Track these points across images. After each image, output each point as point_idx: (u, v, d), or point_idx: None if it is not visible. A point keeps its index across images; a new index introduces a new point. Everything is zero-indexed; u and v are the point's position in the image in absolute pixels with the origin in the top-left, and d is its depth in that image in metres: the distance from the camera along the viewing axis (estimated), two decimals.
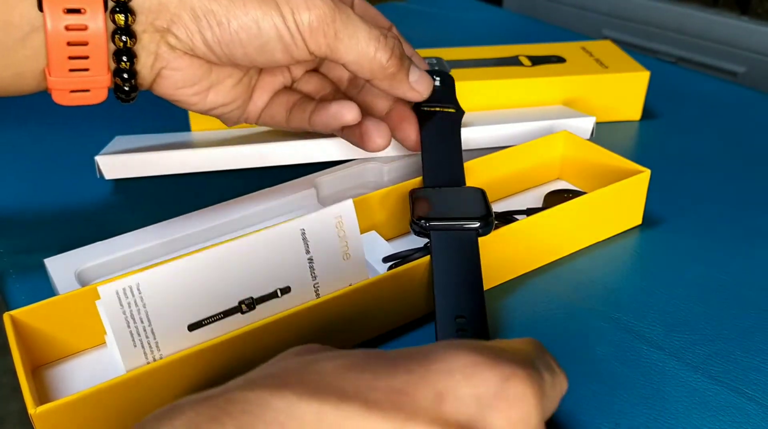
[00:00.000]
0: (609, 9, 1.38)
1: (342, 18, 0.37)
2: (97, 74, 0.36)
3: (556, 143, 0.46)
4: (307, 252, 0.33)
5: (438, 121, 0.44)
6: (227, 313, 0.31)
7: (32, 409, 0.27)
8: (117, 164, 0.46)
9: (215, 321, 0.31)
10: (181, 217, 0.42)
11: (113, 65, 0.36)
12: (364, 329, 0.35)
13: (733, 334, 0.35)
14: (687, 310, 0.37)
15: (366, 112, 0.43)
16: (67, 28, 0.34)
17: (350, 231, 0.33)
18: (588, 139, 0.48)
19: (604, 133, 0.54)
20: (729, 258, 0.41)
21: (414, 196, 0.38)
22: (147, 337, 0.30)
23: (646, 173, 0.41)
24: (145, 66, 0.37)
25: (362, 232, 0.40)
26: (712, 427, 0.30)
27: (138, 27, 0.35)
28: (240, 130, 0.51)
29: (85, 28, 0.34)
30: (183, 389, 0.30)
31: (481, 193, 0.38)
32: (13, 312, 0.32)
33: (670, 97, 0.61)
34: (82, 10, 0.34)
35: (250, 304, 0.32)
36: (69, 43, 0.34)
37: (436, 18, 0.84)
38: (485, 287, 0.38)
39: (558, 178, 0.48)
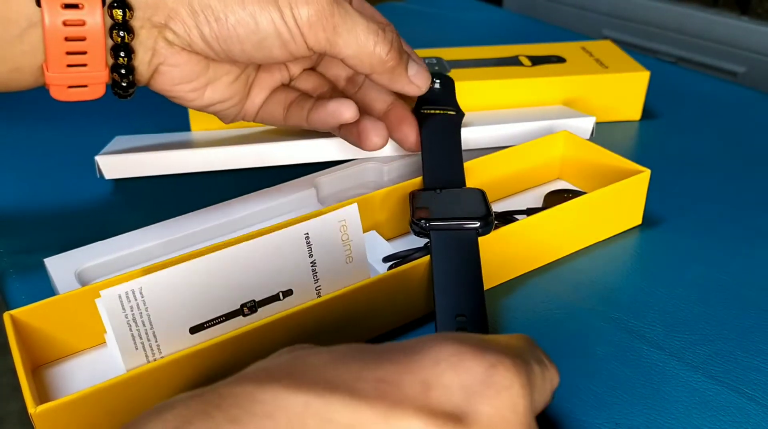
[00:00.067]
0: (609, 9, 1.38)
1: (340, 12, 0.37)
2: (95, 70, 0.36)
3: (556, 143, 0.46)
4: (310, 255, 0.33)
5: (438, 123, 0.44)
6: (229, 316, 0.31)
7: (32, 409, 0.27)
8: (117, 164, 0.46)
9: (217, 324, 0.31)
10: (181, 217, 0.42)
11: (111, 61, 0.36)
12: (364, 329, 0.35)
13: (733, 334, 0.35)
14: (687, 310, 0.37)
15: (364, 111, 0.43)
16: (64, 24, 0.34)
17: (354, 234, 0.33)
18: (588, 139, 0.48)
19: (604, 133, 0.54)
20: (729, 258, 0.41)
21: (414, 197, 0.38)
22: (149, 339, 0.30)
23: (646, 173, 0.41)
24: (142, 62, 0.37)
25: (362, 232, 0.40)
26: (712, 427, 0.30)
27: (136, 23, 0.35)
28: (240, 130, 0.51)
29: (82, 24, 0.34)
30: (183, 389, 0.30)
31: (481, 194, 0.38)
32: (13, 312, 0.32)
33: (670, 97, 0.61)
34: (80, 6, 0.34)
35: (251, 307, 0.32)
36: (67, 39, 0.34)
37: (435, 18, 0.84)
38: (485, 287, 0.38)
39: (558, 178, 0.48)
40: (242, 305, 0.32)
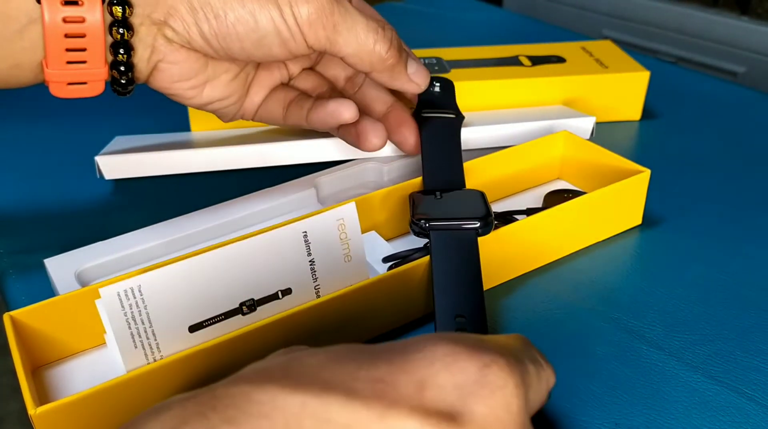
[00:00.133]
0: (609, 9, 1.38)
1: (340, 10, 0.37)
2: (95, 67, 0.36)
3: (556, 143, 0.46)
4: (309, 254, 0.33)
5: (438, 126, 0.44)
6: (228, 315, 0.31)
7: (32, 410, 0.27)
8: (117, 164, 0.46)
9: (216, 322, 0.31)
10: (181, 217, 0.42)
11: (110, 58, 0.36)
12: (364, 329, 0.35)
13: (733, 334, 0.35)
14: (687, 310, 0.37)
15: (363, 112, 0.43)
16: (64, 20, 0.34)
17: (352, 233, 0.33)
18: (588, 139, 0.48)
19: (604, 133, 0.54)
20: (729, 258, 0.41)
21: (414, 198, 0.38)
22: (148, 338, 0.30)
23: (646, 173, 0.41)
24: (141, 59, 0.37)
25: (362, 232, 0.40)
26: (712, 427, 0.30)
27: (135, 19, 0.35)
28: (240, 130, 0.51)
29: (82, 20, 0.34)
30: (183, 390, 0.30)
31: (481, 195, 0.38)
32: (13, 312, 0.32)
33: (670, 97, 0.61)
34: (80, 2, 0.34)
35: (250, 306, 0.32)
36: (66, 35, 0.34)
37: (434, 18, 0.84)
38: (485, 287, 0.38)
39: (558, 178, 0.48)
40: (241, 304, 0.32)
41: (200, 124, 0.53)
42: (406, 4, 0.89)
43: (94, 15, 0.34)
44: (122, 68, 0.36)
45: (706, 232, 0.43)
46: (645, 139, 0.55)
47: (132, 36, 0.35)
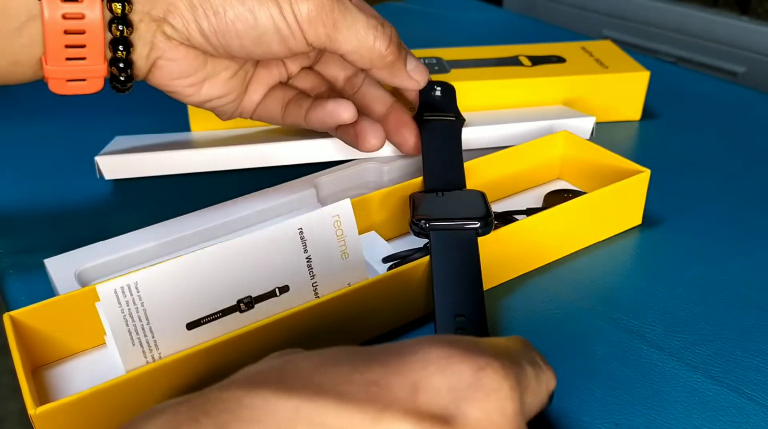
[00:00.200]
0: (609, 9, 1.38)
1: (340, 8, 0.37)
2: (94, 63, 0.36)
3: (556, 143, 0.46)
4: (305, 251, 0.33)
5: (439, 127, 0.44)
6: (226, 312, 0.31)
7: (32, 410, 0.27)
8: (117, 164, 0.46)
9: (214, 320, 0.31)
10: (181, 217, 0.42)
11: (109, 54, 0.36)
12: (364, 329, 0.35)
13: (733, 334, 0.35)
14: (687, 310, 0.37)
15: (362, 113, 0.43)
16: (64, 17, 0.34)
17: (348, 230, 0.33)
18: (588, 139, 0.48)
19: (604, 133, 0.54)
20: (729, 258, 0.41)
21: (414, 198, 0.38)
22: (145, 335, 0.30)
23: (646, 173, 0.41)
24: (140, 56, 0.37)
25: (362, 232, 0.40)
26: (711, 427, 0.30)
27: (135, 16, 0.35)
28: (240, 130, 0.51)
29: (82, 17, 0.34)
30: (182, 389, 0.30)
31: (481, 195, 0.38)
32: (13, 312, 0.32)
33: (670, 97, 0.61)
34: None
35: (248, 303, 0.32)
36: (66, 32, 0.34)
37: (435, 18, 0.84)
38: (485, 287, 0.38)
39: (558, 178, 0.48)
40: (239, 301, 0.32)
41: (200, 124, 0.53)
42: (406, 4, 0.89)
43: (93, 12, 0.34)
44: (121, 65, 0.36)
45: (706, 232, 0.43)
46: (645, 139, 0.55)
47: (131, 33, 0.35)
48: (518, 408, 0.22)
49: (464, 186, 0.40)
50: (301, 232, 0.32)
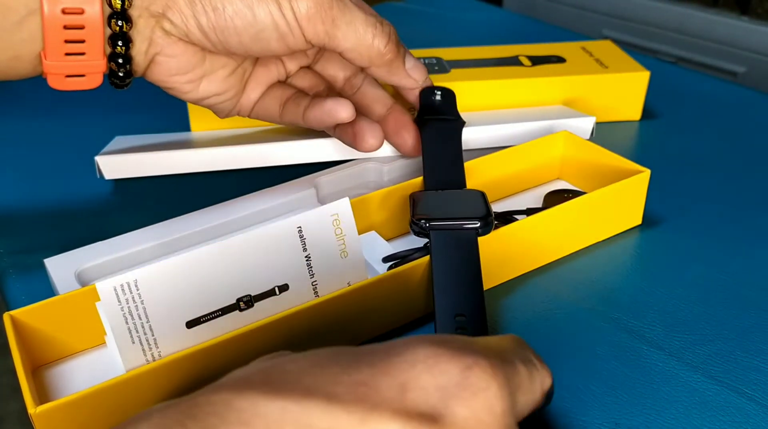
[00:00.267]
0: (609, 9, 1.38)
1: (339, 5, 0.37)
2: (93, 59, 0.36)
3: (556, 143, 0.46)
4: (305, 249, 0.33)
5: (439, 128, 0.44)
6: (225, 311, 0.31)
7: (32, 409, 0.27)
8: (117, 164, 0.46)
9: (213, 318, 0.31)
10: (181, 217, 0.42)
11: (108, 50, 0.36)
12: (364, 329, 0.35)
13: (733, 334, 0.35)
14: (687, 310, 0.37)
15: (361, 114, 0.43)
16: (63, 12, 0.34)
17: (347, 229, 0.33)
18: (588, 139, 0.48)
19: (604, 133, 0.54)
20: (729, 258, 0.41)
21: (414, 198, 0.38)
22: (145, 333, 0.30)
23: (646, 173, 0.41)
24: (139, 52, 0.37)
25: (362, 232, 0.40)
26: (712, 427, 0.30)
27: (134, 11, 0.35)
28: (240, 130, 0.51)
29: (81, 12, 0.34)
30: (182, 389, 0.30)
31: (481, 195, 0.38)
32: (13, 312, 0.32)
33: (670, 97, 0.61)
34: None
35: (248, 302, 0.32)
36: (65, 27, 0.34)
37: (435, 18, 0.84)
38: (485, 287, 0.38)
39: (558, 178, 0.48)
40: (238, 300, 0.32)
41: (200, 124, 0.53)
42: (406, 4, 0.89)
43: (93, 7, 0.35)
44: (120, 61, 0.36)
45: (706, 232, 0.43)
46: (645, 139, 0.55)
47: (131, 28, 0.35)
48: (507, 407, 0.22)
49: (464, 186, 0.40)
50: (300, 231, 0.32)
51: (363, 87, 0.45)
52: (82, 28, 0.35)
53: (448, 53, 0.59)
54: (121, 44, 0.36)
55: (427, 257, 0.35)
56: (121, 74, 0.37)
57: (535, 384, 0.24)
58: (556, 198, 0.43)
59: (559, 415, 0.31)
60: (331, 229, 0.33)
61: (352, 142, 0.42)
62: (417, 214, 0.36)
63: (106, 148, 0.48)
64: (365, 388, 0.21)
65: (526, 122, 0.49)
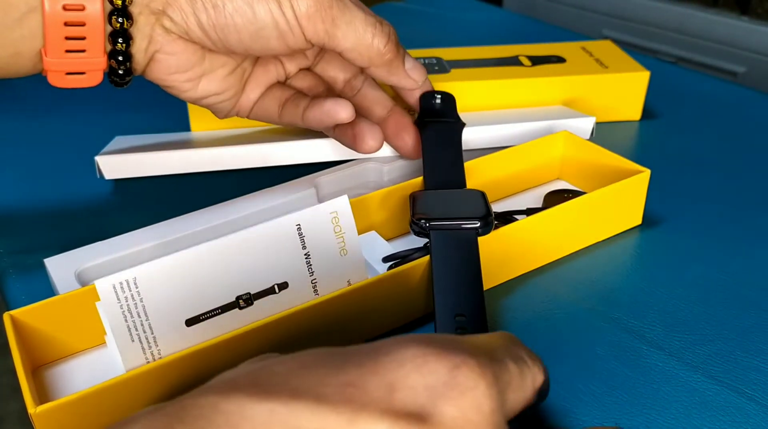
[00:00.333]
0: (609, 9, 1.38)
1: (339, 5, 0.37)
2: (94, 56, 0.36)
3: (556, 143, 0.46)
4: (304, 247, 0.33)
5: (439, 129, 0.44)
6: (225, 309, 0.31)
7: (32, 409, 0.27)
8: (117, 164, 0.46)
9: (213, 316, 0.31)
10: (181, 217, 0.42)
11: (109, 47, 0.36)
12: (364, 329, 0.35)
13: (733, 334, 0.35)
14: (687, 310, 0.37)
15: (361, 116, 0.43)
16: (64, 8, 0.34)
17: (346, 226, 0.33)
18: (588, 139, 0.48)
19: (604, 133, 0.54)
20: (729, 258, 0.41)
21: (414, 197, 0.38)
22: (144, 331, 0.30)
23: (646, 173, 0.41)
24: (139, 49, 0.37)
25: (362, 232, 0.40)
26: (712, 427, 0.30)
27: (134, 9, 0.35)
28: (240, 130, 0.51)
29: (82, 9, 0.34)
30: (182, 388, 0.30)
31: (481, 194, 0.38)
32: (13, 312, 0.32)
33: (670, 97, 0.61)
34: None
35: (247, 300, 0.32)
36: (66, 24, 0.34)
37: (435, 18, 0.84)
38: (485, 287, 0.38)
39: (558, 178, 0.48)
40: (238, 298, 0.32)
41: (200, 124, 0.53)
42: (406, 4, 0.89)
43: (94, 3, 0.35)
44: (120, 58, 0.36)
45: (706, 232, 0.43)
46: (645, 139, 0.55)
47: (131, 25, 0.35)
48: (496, 406, 0.22)
49: (464, 186, 0.40)
50: (299, 228, 0.32)
51: (363, 89, 0.45)
52: (82, 24, 0.35)
53: (448, 53, 0.59)
54: (121, 41, 0.36)
55: (427, 257, 0.35)
56: (121, 72, 0.37)
57: (525, 381, 0.24)
58: (556, 198, 0.43)
59: (559, 415, 0.31)
60: (330, 227, 0.33)
61: (352, 144, 0.42)
62: (417, 214, 0.36)
63: (106, 148, 0.48)
64: (353, 389, 0.21)
65: (526, 122, 0.49)
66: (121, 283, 0.29)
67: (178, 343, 0.31)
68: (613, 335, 0.35)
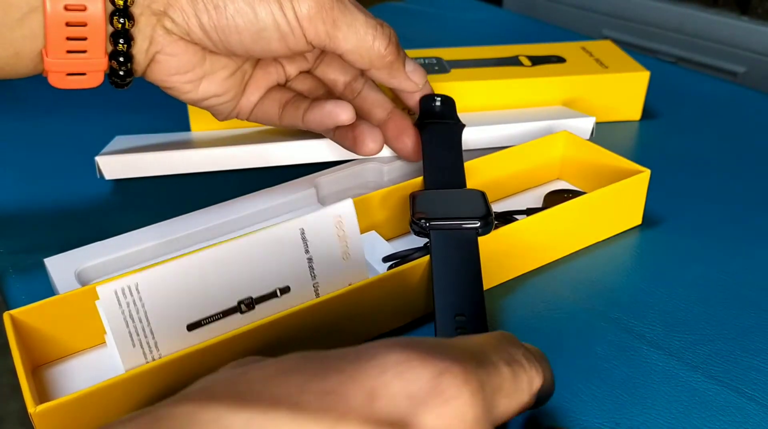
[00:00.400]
0: (609, 9, 1.38)
1: (340, 7, 0.37)
2: (94, 57, 0.36)
3: (556, 143, 0.46)
4: (307, 252, 0.33)
5: (439, 130, 0.44)
6: (226, 313, 0.31)
7: (32, 408, 0.27)
8: (117, 164, 0.46)
9: (214, 321, 0.31)
10: (181, 217, 0.42)
11: (110, 48, 0.36)
12: (364, 329, 0.35)
13: (733, 334, 0.35)
14: (687, 310, 0.37)
15: (361, 118, 0.43)
16: (66, 9, 0.34)
17: (350, 231, 0.33)
18: (588, 139, 0.48)
19: (604, 133, 0.54)
20: (729, 258, 0.41)
21: (414, 197, 0.38)
22: (146, 336, 0.30)
23: (646, 173, 0.41)
24: (140, 50, 0.37)
25: (362, 232, 0.40)
26: (712, 427, 0.30)
27: (136, 9, 0.35)
28: (240, 130, 0.51)
29: (83, 9, 0.34)
30: (181, 388, 0.30)
31: (481, 194, 0.38)
32: (13, 311, 0.32)
33: (670, 97, 0.61)
34: None
35: (249, 304, 0.32)
36: (68, 24, 0.34)
37: (435, 18, 0.84)
38: (485, 287, 0.38)
39: (558, 178, 0.48)
40: (239, 302, 0.32)
41: (200, 124, 0.53)
42: (406, 4, 0.89)
43: (95, 4, 0.35)
44: (121, 59, 0.36)
45: (706, 232, 0.43)
46: (645, 139, 0.55)
47: (132, 26, 0.35)
48: (480, 413, 0.21)
49: (464, 186, 0.40)
50: (303, 233, 0.32)
51: (363, 91, 0.45)
52: (84, 25, 0.35)
53: (448, 53, 0.59)
54: (122, 42, 0.36)
55: (427, 257, 0.35)
56: (121, 73, 0.37)
57: (520, 386, 0.23)
58: (556, 198, 0.43)
59: (559, 415, 0.31)
60: (333, 231, 0.33)
61: (352, 146, 0.42)
62: (417, 214, 0.36)
63: (107, 148, 0.48)
64: (333, 396, 0.20)
65: (526, 122, 0.49)
66: (123, 289, 0.29)
67: (180, 347, 0.31)
68: (613, 335, 0.35)
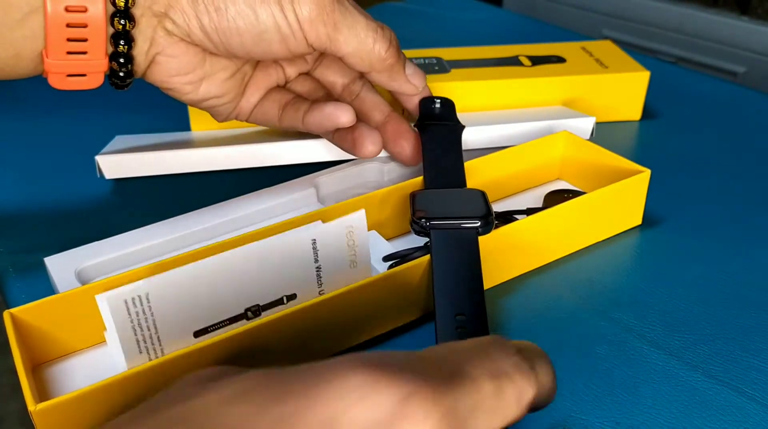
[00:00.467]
0: (609, 9, 1.38)
1: (341, 9, 0.37)
2: (95, 58, 0.36)
3: (556, 143, 0.46)
4: (316, 261, 0.33)
5: (439, 131, 0.44)
6: (233, 320, 0.31)
7: (32, 407, 0.27)
8: (117, 164, 0.46)
9: (221, 327, 0.31)
10: (181, 216, 0.42)
11: (110, 49, 0.36)
12: (364, 329, 0.35)
13: (733, 334, 0.35)
14: (687, 310, 0.37)
15: (359, 120, 0.43)
16: (66, 10, 0.34)
17: (360, 240, 0.33)
18: (588, 139, 0.48)
19: (604, 133, 0.54)
20: (729, 258, 0.41)
21: (414, 196, 0.38)
22: (153, 343, 0.30)
23: (646, 173, 0.41)
24: (140, 52, 0.37)
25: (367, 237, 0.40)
26: (712, 427, 0.30)
27: (137, 10, 0.35)
28: (240, 130, 0.52)
29: (84, 10, 0.34)
30: None
31: (481, 194, 0.38)
32: (13, 310, 0.32)
33: (670, 97, 0.61)
34: None
35: (255, 311, 0.32)
36: (68, 25, 0.34)
37: (435, 18, 0.84)
38: (485, 287, 0.38)
39: (558, 178, 0.48)
40: (246, 309, 0.32)
41: (200, 124, 0.53)
42: (406, 4, 0.89)
43: (96, 5, 0.35)
44: (122, 60, 0.36)
45: (706, 232, 0.43)
46: (645, 139, 0.55)
47: (133, 27, 0.35)
48: None
49: (464, 185, 0.40)
50: (314, 243, 0.32)
51: (361, 94, 0.45)
52: (84, 26, 0.35)
53: (448, 53, 0.59)
54: (123, 43, 0.36)
55: (428, 256, 0.35)
56: (122, 74, 0.37)
57: (504, 401, 0.21)
58: (556, 198, 0.43)
59: (559, 415, 0.31)
60: (344, 241, 0.33)
61: (351, 149, 0.42)
62: (417, 213, 0.36)
63: (107, 148, 0.48)
64: (291, 422, 0.19)
65: (526, 122, 0.49)
66: (133, 299, 0.29)
67: None
68: (613, 335, 0.35)
